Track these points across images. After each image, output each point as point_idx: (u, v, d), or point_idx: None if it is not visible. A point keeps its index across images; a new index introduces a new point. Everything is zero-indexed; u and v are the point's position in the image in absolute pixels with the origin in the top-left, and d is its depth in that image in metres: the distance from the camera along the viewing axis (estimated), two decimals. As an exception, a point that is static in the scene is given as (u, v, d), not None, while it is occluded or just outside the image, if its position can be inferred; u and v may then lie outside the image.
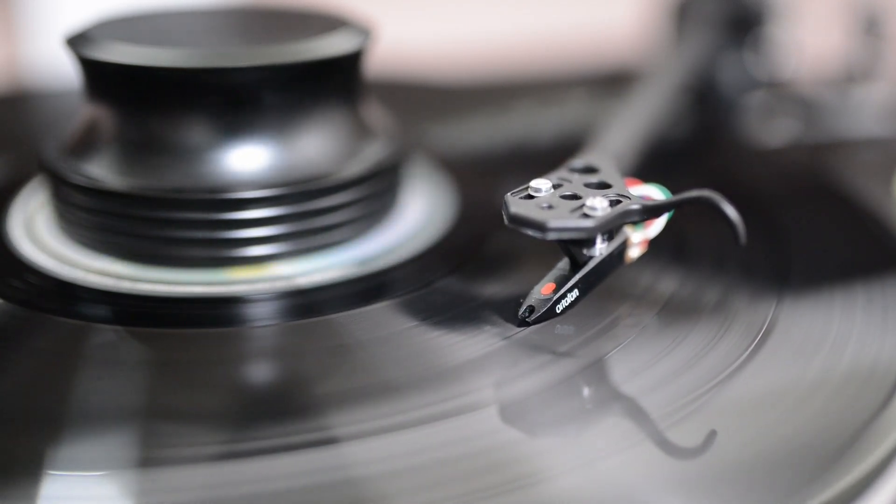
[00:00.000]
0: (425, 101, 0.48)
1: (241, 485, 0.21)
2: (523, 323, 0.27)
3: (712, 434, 0.23)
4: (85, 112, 0.31)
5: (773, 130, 0.44)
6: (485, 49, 0.59)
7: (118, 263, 0.30)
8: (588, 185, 0.27)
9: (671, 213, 0.27)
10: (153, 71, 0.29)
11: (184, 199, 0.29)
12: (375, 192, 0.32)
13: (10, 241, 0.31)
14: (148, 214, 0.29)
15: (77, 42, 0.30)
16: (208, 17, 0.34)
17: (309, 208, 0.30)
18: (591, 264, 0.27)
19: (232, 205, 0.29)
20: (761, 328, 0.27)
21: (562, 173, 0.28)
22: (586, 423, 0.24)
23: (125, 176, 0.29)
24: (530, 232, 0.26)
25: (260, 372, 0.26)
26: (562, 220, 0.25)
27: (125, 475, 0.22)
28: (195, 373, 0.26)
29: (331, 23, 0.32)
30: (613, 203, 0.26)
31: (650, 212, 0.26)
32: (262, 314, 0.28)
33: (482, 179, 0.37)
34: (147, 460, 0.22)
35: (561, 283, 0.27)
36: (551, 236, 0.25)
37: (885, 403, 0.24)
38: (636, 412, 0.24)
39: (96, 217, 0.30)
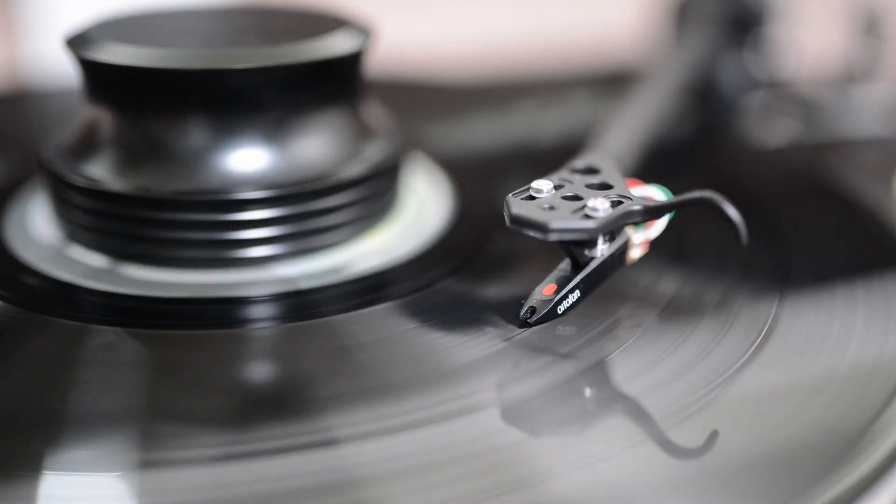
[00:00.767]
0: (425, 101, 0.48)
1: (242, 486, 0.21)
2: (525, 324, 0.27)
3: (714, 434, 0.23)
4: (84, 113, 0.31)
5: (773, 130, 0.44)
6: (485, 49, 0.59)
7: (118, 264, 0.30)
8: (589, 186, 0.27)
9: (672, 213, 0.27)
10: (153, 72, 0.29)
11: (184, 200, 0.29)
12: (375, 193, 0.31)
13: (10, 242, 0.31)
14: (147, 215, 0.29)
15: (76, 43, 0.30)
16: (208, 17, 0.34)
17: (309, 209, 0.30)
18: (593, 265, 0.26)
19: (232, 206, 0.29)
20: (763, 328, 0.27)
21: (563, 174, 0.28)
22: (588, 424, 0.24)
23: (125, 177, 0.29)
24: (532, 233, 0.26)
25: (260, 373, 0.26)
26: (563, 221, 0.25)
27: (125, 476, 0.22)
28: (195, 374, 0.26)
29: (331, 23, 0.32)
30: (615, 204, 0.26)
31: (651, 212, 0.26)
32: (262, 315, 0.28)
33: (483, 180, 0.37)
34: (147, 461, 0.22)
35: (562, 283, 0.27)
36: (553, 237, 0.25)
37: (887, 402, 0.24)
38: (638, 413, 0.24)
39: (96, 218, 0.30)
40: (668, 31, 0.49)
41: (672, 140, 0.40)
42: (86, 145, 0.31)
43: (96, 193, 0.29)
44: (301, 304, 0.28)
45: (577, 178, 0.28)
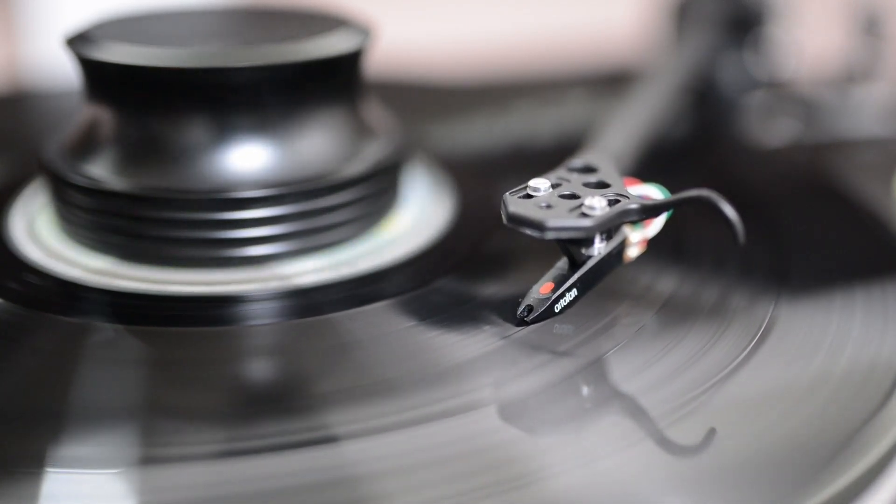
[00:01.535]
0: (425, 101, 0.48)
1: (241, 483, 0.22)
2: (522, 322, 0.27)
3: (711, 433, 0.23)
4: (85, 112, 0.31)
5: (773, 130, 0.44)
6: (485, 49, 0.59)
7: (118, 263, 0.30)
8: (587, 185, 0.27)
9: (670, 212, 0.27)
10: (153, 71, 0.29)
11: (184, 199, 0.29)
12: (375, 192, 0.32)
13: (11, 241, 0.31)
14: (148, 214, 0.29)
15: (77, 42, 0.30)
16: (208, 17, 0.34)
17: (309, 208, 0.30)
18: (590, 264, 0.27)
19: (232, 204, 0.29)
20: (760, 328, 0.27)
21: (560, 173, 0.28)
22: (585, 423, 0.24)
23: (125, 176, 0.29)
24: (529, 231, 0.26)
25: (259, 371, 0.26)
26: (560, 220, 0.25)
27: (125, 474, 0.22)
28: (195, 371, 0.26)
29: (330, 22, 0.32)
30: (612, 202, 0.26)
31: (649, 211, 0.26)
32: (261, 313, 0.28)
33: (482, 179, 0.37)
34: (147, 459, 0.22)
35: (560, 282, 0.27)
36: (550, 236, 0.25)
37: (883, 403, 0.24)
38: (635, 411, 0.24)
39: (97, 217, 0.30)
40: (668, 31, 0.49)
41: (671, 140, 0.40)
42: (86, 145, 0.31)
43: (97, 193, 0.29)
44: (300, 302, 0.28)
45: (575, 176, 0.28)
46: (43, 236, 0.32)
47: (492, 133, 0.44)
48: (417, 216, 0.33)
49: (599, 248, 0.27)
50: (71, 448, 0.23)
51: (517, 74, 0.53)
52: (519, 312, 0.27)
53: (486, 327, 0.27)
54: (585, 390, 0.25)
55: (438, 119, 0.45)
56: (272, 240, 0.30)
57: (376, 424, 0.23)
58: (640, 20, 0.56)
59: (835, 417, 0.24)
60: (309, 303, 0.28)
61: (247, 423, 0.23)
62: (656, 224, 0.28)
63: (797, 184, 0.40)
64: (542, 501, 0.21)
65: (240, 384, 0.26)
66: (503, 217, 0.26)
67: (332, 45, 0.31)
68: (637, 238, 0.27)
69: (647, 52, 0.51)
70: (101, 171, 0.30)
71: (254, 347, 0.27)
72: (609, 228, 0.26)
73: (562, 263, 0.27)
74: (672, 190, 0.27)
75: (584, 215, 0.26)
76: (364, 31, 0.32)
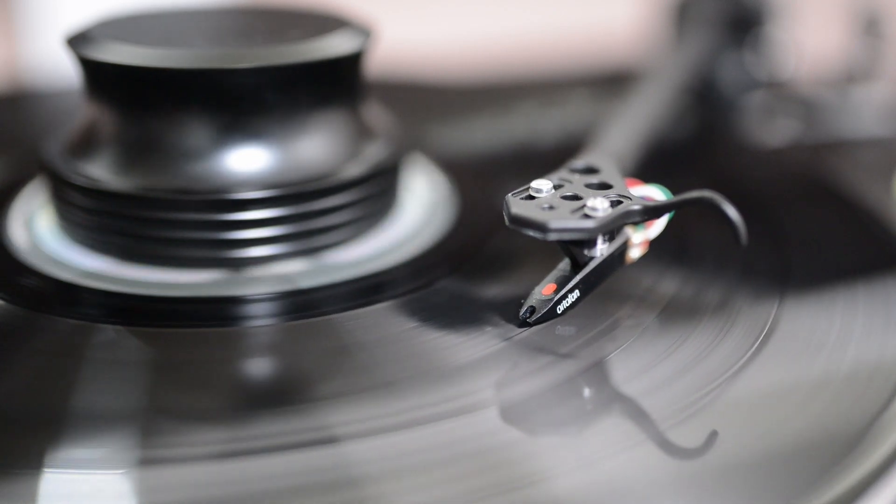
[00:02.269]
0: (425, 101, 0.48)
1: (241, 483, 0.22)
2: (524, 324, 0.27)
3: (714, 435, 0.23)
4: (85, 112, 0.31)
5: (773, 130, 0.44)
6: (485, 49, 0.59)
7: (118, 263, 0.30)
8: (589, 186, 0.27)
9: (672, 213, 0.27)
10: (153, 71, 0.29)
11: (184, 200, 0.29)
12: (376, 193, 0.31)
13: (11, 242, 0.31)
14: (148, 215, 0.29)
15: (77, 42, 0.30)
16: (208, 17, 0.34)
17: (309, 209, 0.30)
18: (592, 265, 0.26)
19: (232, 205, 0.29)
20: (763, 329, 0.27)
21: (563, 174, 0.28)
22: (587, 424, 0.24)
23: (125, 176, 0.29)
24: (531, 232, 0.26)
25: (259, 371, 0.26)
26: (563, 221, 0.25)
27: (125, 474, 0.22)
28: (195, 372, 0.26)
29: (331, 23, 0.32)
30: (614, 203, 0.26)
31: (651, 212, 0.26)
32: (262, 314, 0.28)
33: (483, 180, 0.37)
34: (147, 459, 0.22)
35: (562, 283, 0.27)
36: (552, 237, 0.25)
37: (887, 403, 0.24)
38: (637, 413, 0.24)
39: (97, 217, 0.30)
40: (668, 31, 0.49)
41: (672, 140, 0.40)
42: (86, 145, 0.31)
43: (96, 193, 0.29)
44: (301, 303, 0.28)
45: (577, 177, 0.28)
46: (42, 236, 0.32)
47: (493, 134, 0.44)
48: (418, 217, 0.33)
49: (602, 249, 0.26)
50: (71, 449, 0.23)
51: (518, 75, 0.53)
52: (521, 314, 0.27)
53: (488, 328, 0.27)
54: (588, 392, 0.25)
55: (439, 119, 0.45)
56: (272, 241, 0.29)
57: (377, 425, 0.23)
58: (640, 20, 0.56)
59: (839, 418, 0.24)
60: (309, 303, 0.28)
61: (247, 423, 0.23)
62: (658, 225, 0.28)
63: (797, 184, 0.40)
64: (545, 503, 0.21)
65: (240, 385, 0.26)
66: (505, 218, 0.26)
67: (332, 45, 0.31)
68: (639, 239, 0.27)
69: (647, 52, 0.51)
70: (100, 171, 0.30)
71: (254, 348, 0.27)
72: (611, 230, 0.26)
73: (564, 265, 0.27)
74: (673, 190, 0.27)
75: (587, 216, 0.26)
76: (365, 31, 0.32)
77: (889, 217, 0.35)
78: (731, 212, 0.25)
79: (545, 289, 0.27)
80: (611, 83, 0.48)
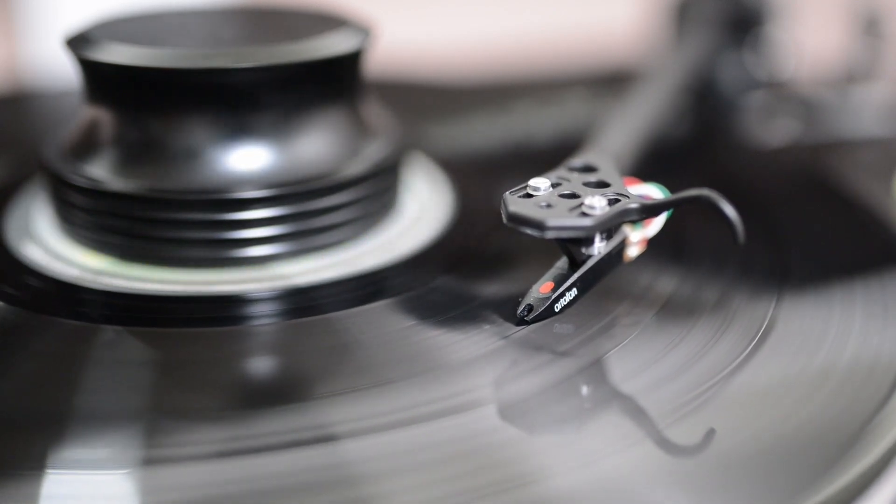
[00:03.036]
0: (425, 101, 0.48)
1: (241, 482, 0.22)
2: (522, 322, 0.27)
3: (712, 432, 0.23)
4: (85, 113, 0.31)
5: (773, 130, 0.44)
6: (485, 49, 0.59)
7: (118, 263, 0.30)
8: (587, 184, 0.27)
9: (670, 212, 0.27)
10: (153, 71, 0.29)
11: (184, 200, 0.29)
12: (375, 192, 0.32)
13: (10, 242, 0.31)
14: (148, 215, 0.29)
15: (76, 43, 0.30)
16: (208, 17, 0.34)
17: (309, 208, 0.30)
18: (590, 263, 0.27)
19: (232, 205, 0.29)
20: (761, 327, 0.27)
21: (561, 172, 0.28)
22: (585, 422, 0.24)
23: (125, 177, 0.29)
24: (529, 231, 0.26)
25: (259, 370, 0.26)
26: (560, 219, 0.25)
27: (127, 474, 0.22)
28: (195, 371, 0.26)
29: (330, 22, 0.32)
30: (612, 202, 0.26)
31: (649, 211, 0.26)
32: (261, 313, 0.28)
33: (482, 179, 0.37)
34: (147, 459, 0.22)
35: (560, 281, 0.27)
36: (550, 235, 0.25)
37: (885, 400, 0.24)
38: (635, 411, 0.24)
39: (97, 217, 0.30)
40: (668, 31, 0.49)
41: (671, 140, 0.40)
42: (86, 145, 0.31)
43: (97, 193, 0.29)
44: (300, 302, 0.28)
45: (575, 176, 0.28)
46: (42, 237, 0.32)
47: (492, 133, 0.44)
48: (417, 216, 0.33)
49: (599, 247, 0.27)
50: (71, 449, 0.23)
51: (517, 74, 0.53)
52: (519, 312, 0.27)
53: (486, 327, 0.27)
54: (586, 390, 0.25)
55: (438, 119, 0.45)
56: (272, 240, 0.30)
57: (376, 423, 0.23)
58: (640, 20, 0.56)
59: (837, 416, 0.24)
60: (309, 303, 0.28)
61: (247, 422, 0.23)
62: (656, 223, 0.28)
63: (797, 184, 0.40)
64: (543, 501, 0.21)
65: (240, 383, 0.26)
66: (503, 216, 0.26)
67: (332, 45, 0.31)
68: (637, 237, 0.27)
69: (647, 52, 0.51)
70: (100, 171, 0.30)
71: (254, 347, 0.27)
72: (609, 228, 0.26)
73: (562, 263, 0.27)
74: (672, 189, 0.27)
75: (585, 215, 0.26)
76: (364, 31, 0.32)
77: (889, 217, 0.35)
78: (729, 210, 0.25)
79: (543, 287, 0.27)
80: (610, 83, 0.48)
